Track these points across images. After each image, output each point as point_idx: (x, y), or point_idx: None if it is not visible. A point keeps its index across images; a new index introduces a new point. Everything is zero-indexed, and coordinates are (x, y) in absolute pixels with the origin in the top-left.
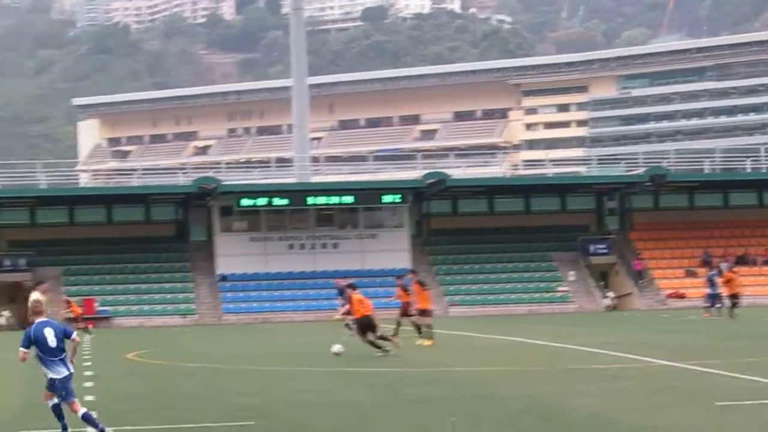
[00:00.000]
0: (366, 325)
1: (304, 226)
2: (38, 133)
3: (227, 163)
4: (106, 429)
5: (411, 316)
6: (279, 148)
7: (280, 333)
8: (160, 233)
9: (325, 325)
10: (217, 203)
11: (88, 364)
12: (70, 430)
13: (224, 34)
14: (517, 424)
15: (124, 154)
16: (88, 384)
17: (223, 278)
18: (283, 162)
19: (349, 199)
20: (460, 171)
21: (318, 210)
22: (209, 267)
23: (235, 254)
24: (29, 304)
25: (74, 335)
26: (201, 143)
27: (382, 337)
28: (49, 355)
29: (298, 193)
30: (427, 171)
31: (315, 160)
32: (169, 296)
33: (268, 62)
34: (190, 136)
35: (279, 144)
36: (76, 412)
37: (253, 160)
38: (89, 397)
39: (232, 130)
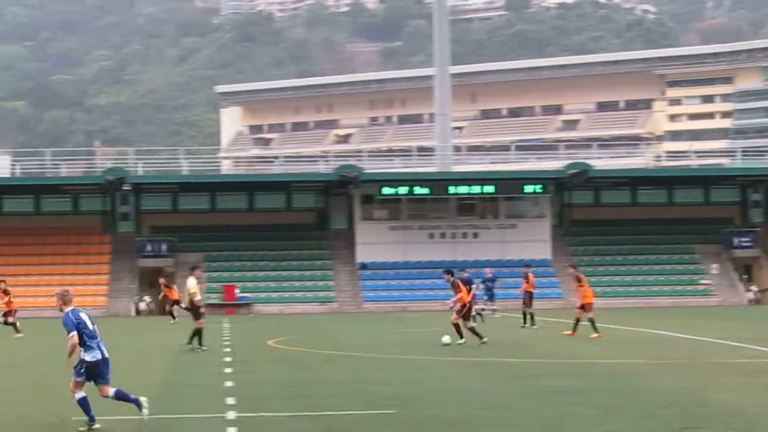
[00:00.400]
0: (467, 313)
1: (444, 215)
2: (181, 120)
3: (368, 152)
4: (141, 398)
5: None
6: (420, 136)
7: (418, 322)
8: (300, 221)
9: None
10: (358, 192)
11: (228, 350)
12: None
13: (367, 22)
14: (657, 418)
15: (265, 142)
16: (228, 370)
17: (363, 266)
18: (425, 151)
19: (490, 188)
20: (602, 162)
21: (459, 199)
22: (349, 255)
23: (375, 242)
24: (60, 293)
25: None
26: (342, 131)
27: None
28: (89, 338)
29: (439, 183)
30: (569, 161)
31: (457, 149)
32: (309, 284)
33: (411, 51)
34: (332, 124)
35: (420, 133)
36: (106, 395)
37: (394, 148)
38: (229, 383)
39: (373, 119)
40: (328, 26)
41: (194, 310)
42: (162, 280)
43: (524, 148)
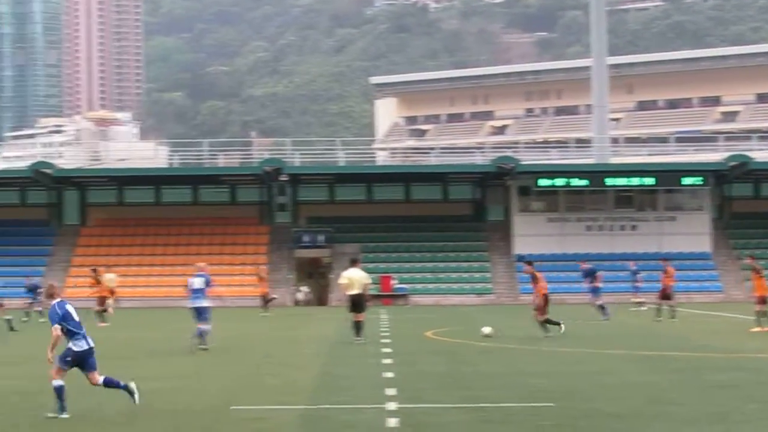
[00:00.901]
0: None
1: (602, 207)
2: (336, 111)
3: (525, 143)
4: (131, 384)
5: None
6: (576, 128)
7: (576, 314)
8: (457, 212)
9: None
10: (515, 183)
11: (387, 341)
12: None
13: (522, 13)
14: None
15: (420, 133)
16: (387, 361)
17: (520, 258)
18: (582, 143)
19: (649, 180)
20: (762, 154)
21: (617, 191)
22: (506, 247)
23: (532, 234)
24: (46, 287)
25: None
26: (498, 123)
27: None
28: (75, 329)
29: (597, 174)
30: (729, 153)
31: (614, 140)
32: (465, 275)
33: (567, 42)
34: (487, 115)
35: (576, 124)
36: (96, 383)
37: (550, 140)
38: (388, 374)
39: (529, 110)
40: (483, 17)
41: (356, 303)
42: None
43: (683, 139)
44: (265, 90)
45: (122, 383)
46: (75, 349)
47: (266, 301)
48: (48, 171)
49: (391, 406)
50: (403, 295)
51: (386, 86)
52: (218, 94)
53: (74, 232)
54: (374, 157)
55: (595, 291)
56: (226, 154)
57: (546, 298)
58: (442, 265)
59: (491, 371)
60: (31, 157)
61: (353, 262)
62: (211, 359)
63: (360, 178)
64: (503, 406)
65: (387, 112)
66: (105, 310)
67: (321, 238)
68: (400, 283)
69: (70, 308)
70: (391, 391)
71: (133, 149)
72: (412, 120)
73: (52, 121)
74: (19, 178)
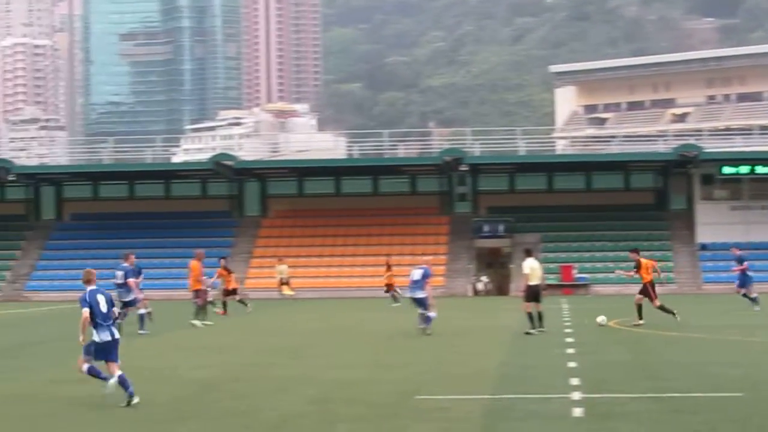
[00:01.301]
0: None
1: None
2: (515, 100)
3: (708, 131)
4: (134, 399)
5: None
6: (761, 115)
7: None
8: (638, 201)
9: None
10: (697, 171)
11: (569, 330)
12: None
13: None
14: None
15: (600, 121)
16: (570, 351)
17: (703, 247)
18: (766, 129)
19: None
20: None
21: None
22: (689, 236)
23: (715, 223)
24: (83, 273)
25: (115, 308)
26: (679, 110)
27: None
28: (101, 320)
29: None
30: None
31: None
32: None
33: (749, 27)
34: (668, 103)
35: (760, 111)
36: (113, 374)
37: (732, 127)
38: (572, 364)
39: (711, 97)
40: (663, 3)
41: (536, 293)
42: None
43: None
44: (444, 80)
45: (130, 389)
46: (97, 339)
47: (390, 291)
48: (229, 163)
49: (576, 395)
50: (584, 285)
51: (565, 75)
52: (397, 85)
53: (255, 224)
54: (554, 146)
55: (743, 279)
56: (405, 145)
57: (648, 286)
58: (623, 254)
59: (676, 360)
60: (211, 150)
61: (528, 253)
62: (396, 349)
63: (540, 167)
64: (691, 395)
65: (566, 101)
66: (240, 301)
67: (501, 227)
68: (581, 273)
69: (100, 297)
70: (575, 381)
71: (313, 140)
72: (591, 108)
73: (232, 114)
74: (200, 170)
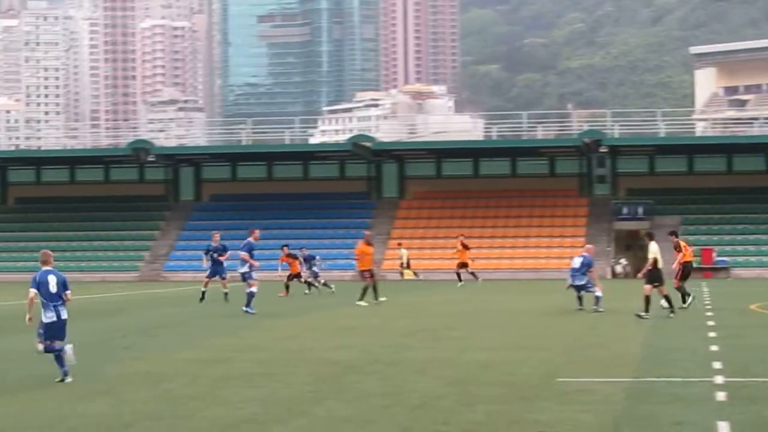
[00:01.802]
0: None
1: None
2: (654, 81)
3: None
4: (66, 378)
5: None
6: None
7: None
8: None
9: None
10: None
11: (710, 314)
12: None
13: None
14: None
15: (741, 103)
16: (712, 334)
17: None
18: None
19: None
20: None
21: None
22: None
23: None
24: (40, 253)
25: (69, 292)
26: None
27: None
28: (47, 300)
29: None
30: None
31: None
32: None
33: None
34: None
35: None
36: (38, 351)
37: None
38: (714, 347)
39: None
40: None
41: (653, 274)
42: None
43: None
44: (582, 62)
45: (65, 368)
46: (43, 319)
47: (460, 271)
48: (367, 144)
49: (718, 379)
50: (724, 268)
51: (705, 56)
52: (534, 66)
53: (393, 205)
54: (694, 128)
55: None
56: (543, 126)
57: (683, 268)
58: (764, 237)
59: None
60: (348, 131)
61: (650, 236)
62: (535, 331)
63: (680, 149)
64: None
65: (706, 83)
66: (324, 284)
67: (640, 210)
68: (721, 256)
69: (51, 278)
70: (717, 365)
71: (450, 122)
72: (732, 90)
73: (369, 95)
74: (338, 152)
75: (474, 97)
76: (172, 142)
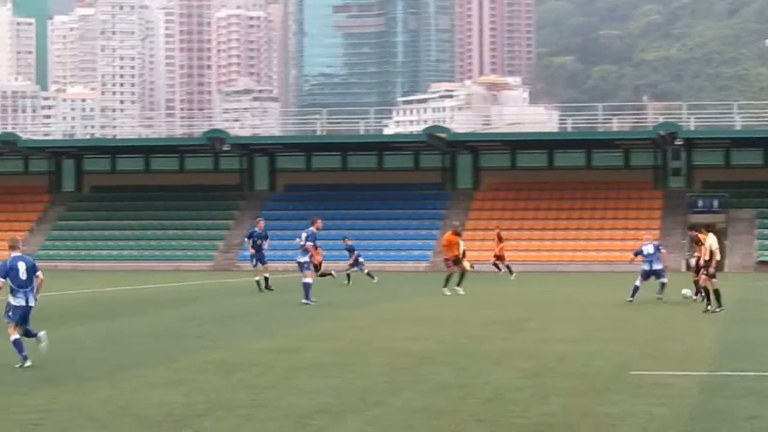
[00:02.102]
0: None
1: None
2: (731, 74)
3: None
4: (27, 362)
5: None
6: None
7: None
8: None
9: None
10: None
11: None
12: None
13: None
14: None
15: None
16: None
17: None
18: None
19: None
20: None
21: None
22: None
23: None
24: (9, 240)
25: (40, 273)
26: None
27: None
28: (16, 285)
29: None
30: None
31: None
32: None
33: None
34: None
35: None
36: (9, 335)
37: None
38: None
39: None
40: None
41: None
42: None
43: None
44: (657, 54)
45: (23, 352)
46: (13, 303)
47: (499, 262)
48: (442, 135)
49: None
50: None
51: None
52: (610, 58)
53: (467, 196)
54: None
55: None
56: (618, 118)
57: (701, 263)
58: None
59: None
60: (423, 122)
61: (707, 229)
62: (610, 323)
63: (756, 142)
64: None
65: None
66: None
67: (716, 203)
68: None
69: (20, 264)
70: None
71: (525, 113)
72: None
73: (444, 86)
74: (413, 143)
75: (549, 89)
76: (247, 132)
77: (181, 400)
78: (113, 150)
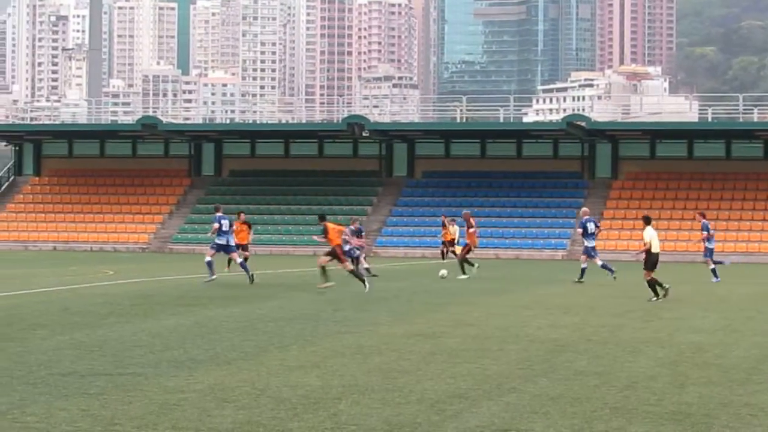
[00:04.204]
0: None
1: None
2: None
3: None
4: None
5: None
6: None
7: None
8: None
9: None
10: None
11: None
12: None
13: None
14: None
15: None
16: None
17: None
18: None
19: None
20: None
21: None
22: None
23: None
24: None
25: None
26: None
27: None
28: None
29: None
30: None
31: None
32: None
33: None
34: None
35: None
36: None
37: None
38: None
39: None
40: None
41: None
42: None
43: None
44: None
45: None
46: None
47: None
48: (581, 123)
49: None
50: None
51: None
52: (752, 49)
53: (605, 185)
54: None
55: None
56: (759, 109)
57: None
58: None
59: None
60: (562, 111)
61: (647, 221)
62: (750, 314)
63: None
64: None
65: None
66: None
67: None
68: None
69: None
70: None
71: (664, 103)
72: None
73: (583, 75)
74: (552, 131)
75: (689, 79)
76: (386, 119)
77: (317, 383)
78: (253, 134)
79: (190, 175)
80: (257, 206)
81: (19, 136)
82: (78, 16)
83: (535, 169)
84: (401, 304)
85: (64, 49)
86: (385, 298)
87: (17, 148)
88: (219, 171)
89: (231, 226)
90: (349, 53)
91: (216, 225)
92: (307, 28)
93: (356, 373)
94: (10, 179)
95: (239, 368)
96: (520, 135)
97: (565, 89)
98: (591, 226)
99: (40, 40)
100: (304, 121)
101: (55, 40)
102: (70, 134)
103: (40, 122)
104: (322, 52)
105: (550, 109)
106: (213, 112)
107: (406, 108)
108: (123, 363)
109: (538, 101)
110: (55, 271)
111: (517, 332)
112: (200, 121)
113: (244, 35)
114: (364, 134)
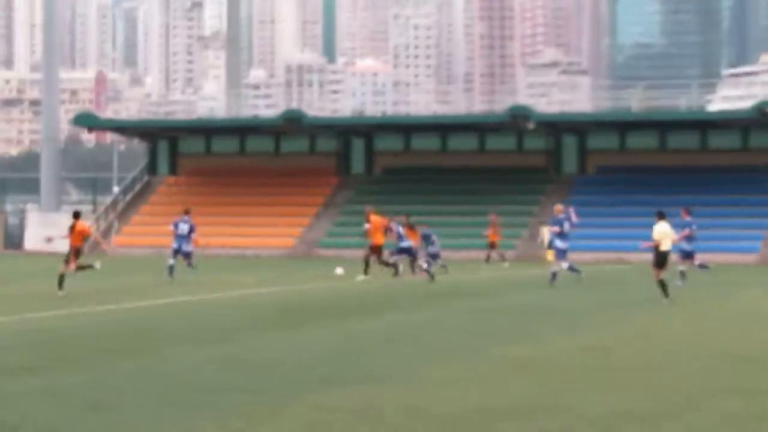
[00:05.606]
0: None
1: None
2: None
3: None
4: None
5: None
6: None
7: None
8: None
9: None
10: None
11: None
12: None
13: None
14: None
15: None
16: None
17: None
18: None
19: None
20: None
21: None
22: None
23: None
24: None
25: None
26: None
27: None
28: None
29: None
30: None
31: None
32: None
33: None
34: None
35: None
36: None
37: None
38: None
39: None
40: None
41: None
42: None
43: None
44: None
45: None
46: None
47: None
48: None
49: None
50: None
51: None
52: None
53: None
54: None
55: None
56: None
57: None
58: None
59: None
60: (752, 97)
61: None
62: None
63: None
64: None
65: None
66: None
67: None
68: None
69: None
70: None
71: None
72: None
73: None
74: (740, 119)
75: None
76: (554, 109)
77: (476, 401)
78: (407, 128)
79: (338, 174)
80: (413, 207)
81: (152, 132)
82: (214, 2)
83: (722, 163)
84: (566, 314)
85: (199, 38)
86: (549, 308)
87: (151, 145)
88: (369, 169)
89: (190, 231)
90: (511, 37)
91: (172, 228)
92: (465, 10)
93: (519, 390)
94: (144, 179)
95: (391, 384)
96: (705, 125)
97: (755, 73)
98: (567, 225)
99: (174, 28)
100: (462, 113)
101: (190, 28)
102: (207, 130)
103: (176, 117)
104: (482, 37)
105: (739, 96)
106: (362, 103)
107: (575, 97)
108: (265, 379)
109: (724, 87)
110: (192, 279)
111: (699, 345)
112: (348, 114)
113: (395, 18)
114: (529, 126)
